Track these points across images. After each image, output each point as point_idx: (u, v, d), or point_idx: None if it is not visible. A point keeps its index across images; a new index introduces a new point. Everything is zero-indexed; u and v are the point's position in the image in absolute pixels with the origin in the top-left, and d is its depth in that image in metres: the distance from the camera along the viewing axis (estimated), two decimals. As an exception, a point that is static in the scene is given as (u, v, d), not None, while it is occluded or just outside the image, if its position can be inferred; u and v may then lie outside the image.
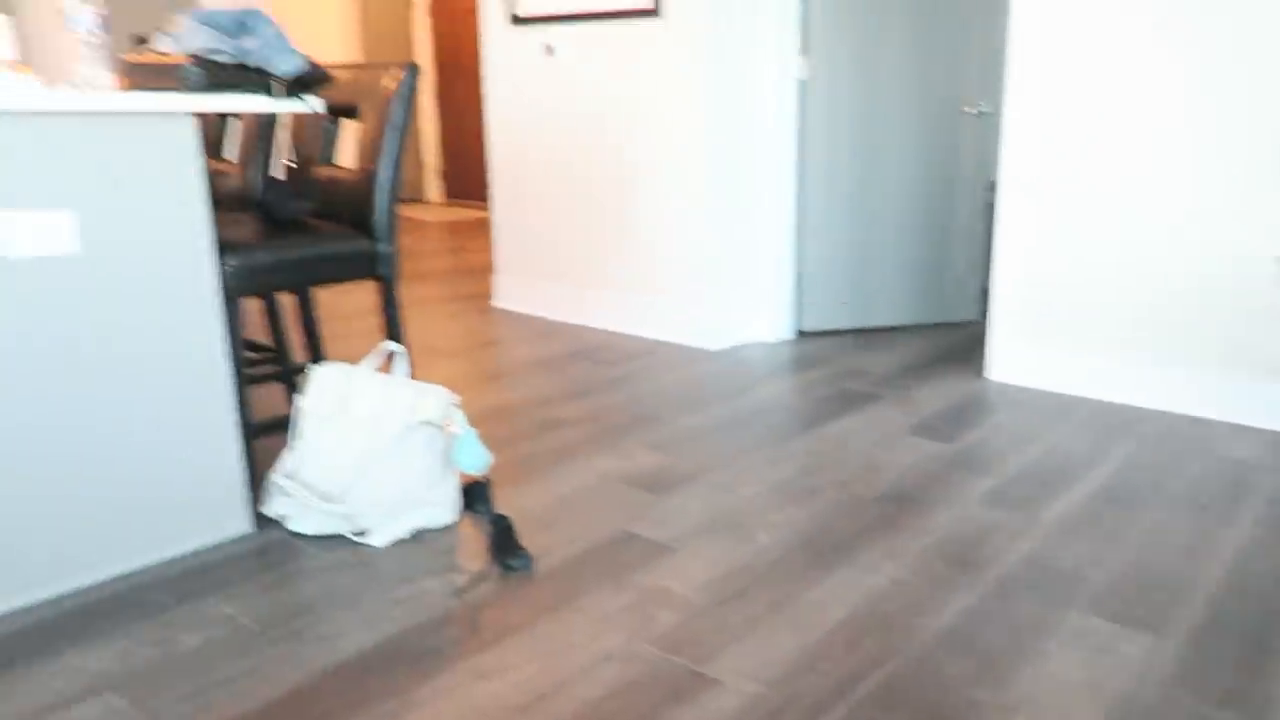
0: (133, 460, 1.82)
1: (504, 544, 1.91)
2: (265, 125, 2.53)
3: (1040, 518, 2.16)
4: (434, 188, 9.55)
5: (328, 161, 2.42)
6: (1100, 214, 3.01)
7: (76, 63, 1.69)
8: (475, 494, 2.15)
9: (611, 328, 3.97)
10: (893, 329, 4.02)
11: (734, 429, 2.74)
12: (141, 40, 1.89)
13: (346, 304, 4.45)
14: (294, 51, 1.88)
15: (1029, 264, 3.18)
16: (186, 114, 1.79)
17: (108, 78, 1.73)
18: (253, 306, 4.14)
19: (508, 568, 1.87)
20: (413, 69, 2.23)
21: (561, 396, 3.04)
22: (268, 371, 2.55)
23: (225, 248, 1.97)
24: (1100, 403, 3.02)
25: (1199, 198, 2.83)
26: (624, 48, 3.70)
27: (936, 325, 4.09)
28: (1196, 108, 2.81)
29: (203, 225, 1.86)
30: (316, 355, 2.56)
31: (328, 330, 3.89)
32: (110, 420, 1.78)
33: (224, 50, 1.79)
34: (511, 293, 4.34)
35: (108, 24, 1.71)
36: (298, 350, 3.39)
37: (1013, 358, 3.25)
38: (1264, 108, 2.71)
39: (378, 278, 2.28)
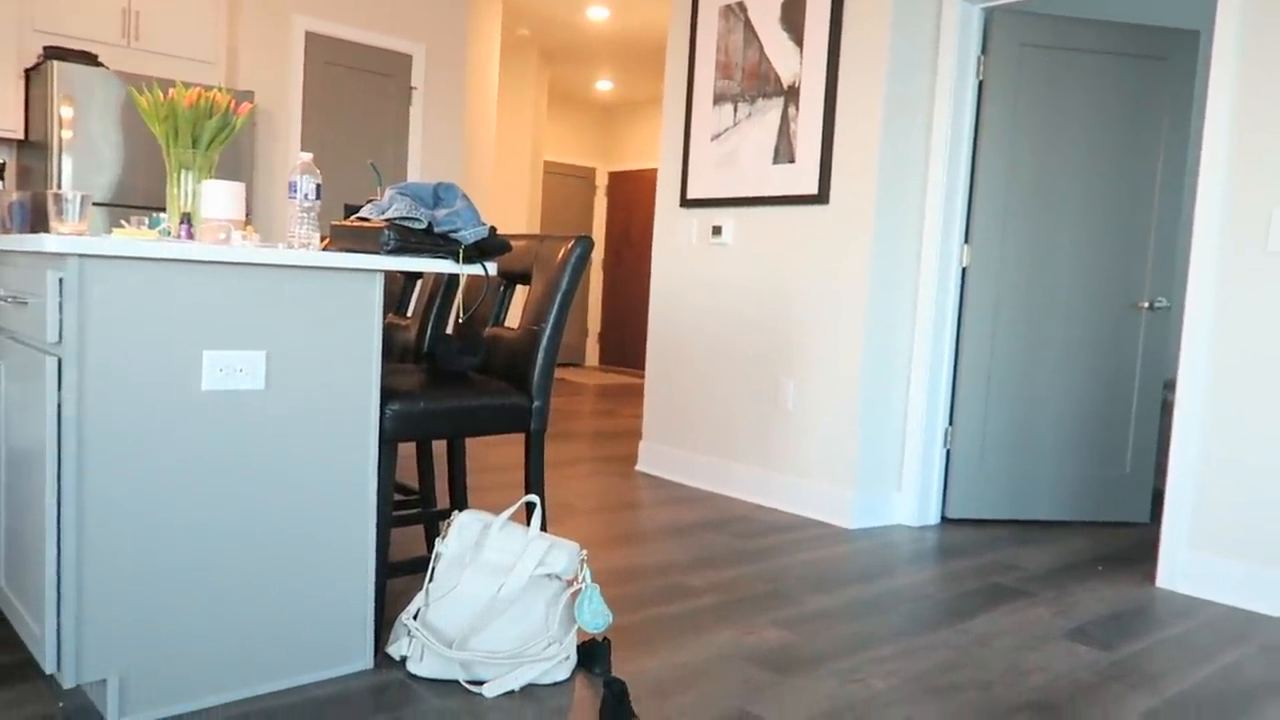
0: (272, 586, 1.94)
1: (616, 709, 1.89)
2: (445, 285, 2.77)
3: (1209, 748, 1.95)
4: (593, 353, 9.95)
5: (497, 322, 2.61)
6: (1281, 420, 2.83)
7: (293, 224, 1.94)
8: (594, 653, 2.15)
9: (753, 499, 3.95)
10: (1050, 523, 3.81)
11: (869, 614, 2.64)
12: (353, 209, 2.15)
13: (493, 456, 4.63)
14: (480, 221, 2.08)
15: (1209, 466, 2.99)
16: (375, 271, 2.00)
17: (316, 238, 1.97)
18: (406, 450, 4.37)
19: (621, 732, 1.84)
20: (585, 241, 2.42)
21: (693, 564, 3.03)
22: (411, 514, 2.68)
23: (389, 394, 2.14)
24: (1286, 627, 2.74)
25: (1396, 409, 2.62)
26: (788, 232, 3.86)
27: (1100, 524, 3.85)
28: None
29: (372, 372, 2.03)
30: (459, 502, 2.67)
31: (473, 480, 4.05)
32: (261, 546, 1.92)
33: (418, 218, 2.01)
34: (657, 459, 4.42)
35: (320, 192, 1.96)
36: (442, 496, 3.54)
37: (1187, 565, 3.01)
38: None
39: (528, 431, 2.40)
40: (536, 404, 2.40)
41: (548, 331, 2.39)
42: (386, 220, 2.01)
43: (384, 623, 2.27)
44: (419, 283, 3.01)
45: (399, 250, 1.97)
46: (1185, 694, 2.21)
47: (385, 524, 2.15)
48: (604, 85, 8.76)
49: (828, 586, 2.87)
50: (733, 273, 4.07)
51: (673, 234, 4.36)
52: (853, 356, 3.61)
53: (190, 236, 1.98)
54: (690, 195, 4.25)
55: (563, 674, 2.08)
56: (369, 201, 2.13)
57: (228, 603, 1.88)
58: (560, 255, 2.42)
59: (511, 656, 2.02)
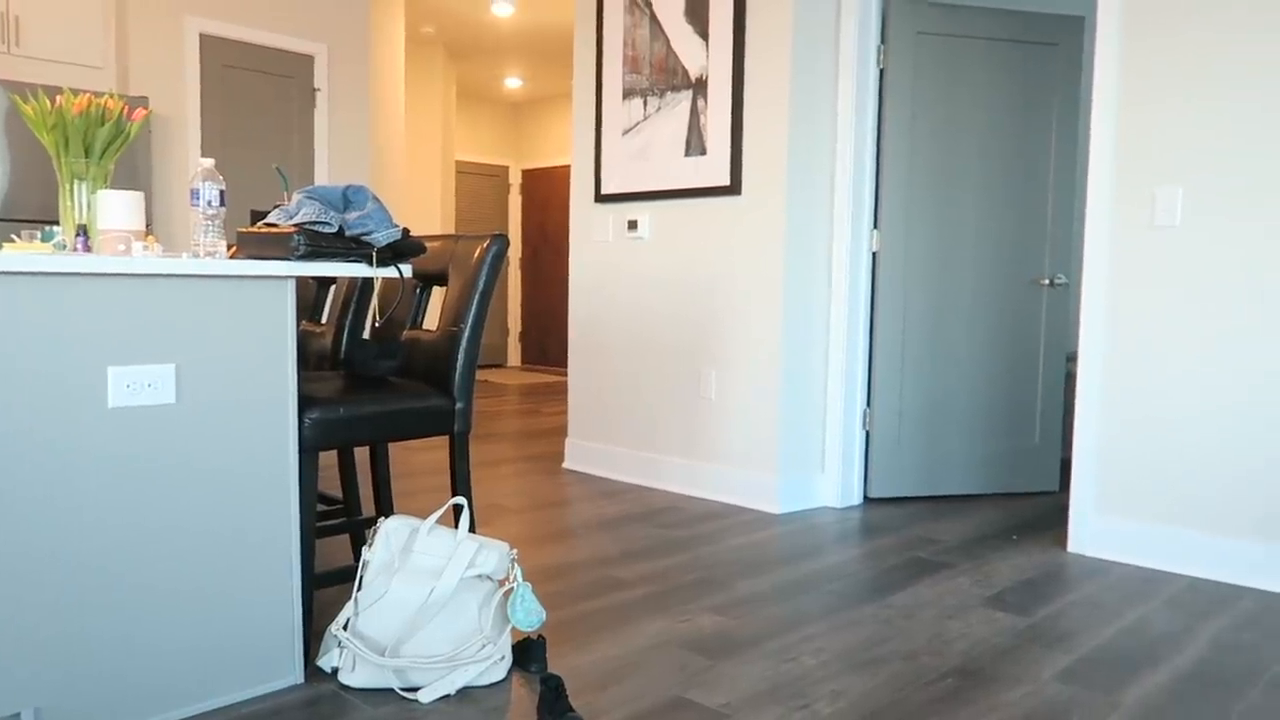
0: (194, 605, 1.89)
1: (554, 705, 1.89)
2: (359, 290, 2.72)
3: (1120, 699, 2.05)
4: (515, 353, 9.88)
5: (415, 324, 2.58)
6: (1185, 382, 2.98)
7: (197, 233, 1.89)
8: (529, 652, 2.15)
9: (681, 490, 3.99)
10: (966, 497, 3.94)
11: (799, 595, 2.70)
12: (260, 215, 2.10)
13: (418, 460, 4.58)
14: (392, 223, 2.06)
15: (1112, 433, 3.13)
16: (286, 278, 1.96)
17: (222, 246, 1.91)
18: (328, 459, 4.29)
19: (559, 728, 1.85)
20: (500, 240, 2.40)
21: (623, 557, 3.04)
22: (336, 523, 2.63)
23: (308, 402, 2.10)
24: (1192, 579, 2.89)
25: None
26: (703, 224, 3.90)
27: (1013, 495, 4.00)
28: (1273, 272, 2.81)
29: (288, 380, 1.99)
30: (385, 509, 2.64)
31: (399, 486, 4.00)
32: (180, 565, 1.87)
33: (328, 222, 1.98)
34: (583, 455, 4.42)
35: (225, 198, 1.91)
36: (367, 503, 3.49)
37: (1096, 529, 3.15)
38: (1336, 282, 2.69)
39: (452, 433, 2.38)
40: (459, 405, 2.38)
41: (467, 332, 2.37)
42: (296, 225, 1.97)
43: (313, 635, 2.23)
44: (332, 288, 2.96)
45: (310, 255, 1.93)
46: (1097, 650, 2.32)
47: (309, 535, 2.11)
48: (514, 82, 8.71)
49: (757, 571, 2.92)
50: (651, 266, 4.10)
51: (589, 230, 4.36)
52: (771, 344, 3.67)
53: (88, 249, 1.91)
54: (605, 190, 4.26)
55: (499, 674, 2.08)
56: (276, 207, 2.09)
57: (148, 624, 1.82)
58: (476, 254, 2.41)
59: (446, 660, 2.00)
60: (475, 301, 2.38)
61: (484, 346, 9.45)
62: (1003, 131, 3.86)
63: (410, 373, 2.49)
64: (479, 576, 2.07)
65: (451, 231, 7.74)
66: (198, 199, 1.89)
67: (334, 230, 1.99)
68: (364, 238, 2.02)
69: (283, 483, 2.00)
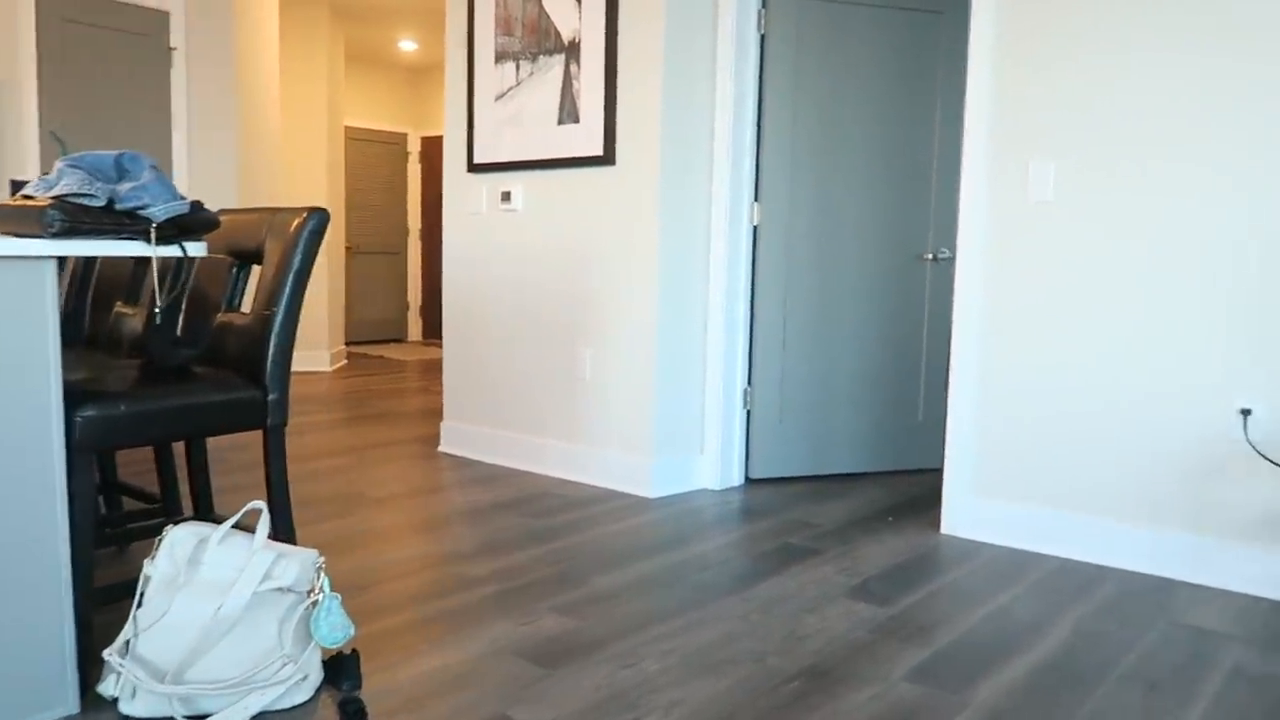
0: (-50, 629, 1.66)
1: (356, 730, 1.72)
2: (176, 270, 2.47)
3: (971, 698, 1.96)
4: (415, 327, 9.59)
5: (231, 307, 2.35)
6: (1060, 358, 2.92)
7: (-78, 206, 1.63)
8: (341, 668, 1.96)
9: (558, 474, 3.83)
10: (851, 476, 3.87)
11: (656, 589, 2.56)
12: (20, 185, 1.84)
13: (254, 453, 4.32)
14: (175, 195, 1.82)
15: (986, 412, 3.06)
16: (41, 258, 1.72)
17: (-46, 221, 1.66)
18: (144, 455, 4.00)
19: (357, 758, 1.67)
20: (319, 214, 2.18)
21: (479, 551, 2.87)
22: (155, 524, 2.40)
23: (83, 397, 1.86)
24: (1060, 560, 2.84)
25: (1157, 350, 2.74)
26: (577, 196, 3.71)
27: (898, 473, 3.94)
28: (1150, 258, 2.75)
29: (49, 375, 1.75)
30: (204, 509, 2.41)
31: (225, 481, 3.68)
32: (-73, 584, 1.63)
33: (93, 194, 1.73)
34: (460, 438, 4.22)
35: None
36: (189, 503, 3.23)
37: (968, 511, 3.09)
38: (1218, 252, 2.65)
39: (265, 428, 2.17)
40: (272, 396, 2.17)
41: (280, 315, 2.15)
42: (53, 198, 1.72)
43: (94, 659, 2.00)
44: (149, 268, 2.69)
45: (67, 233, 1.69)
46: (954, 643, 2.24)
47: (86, 545, 1.88)
48: (408, 45, 8.33)
49: (617, 563, 2.78)
50: (525, 240, 3.89)
51: (463, 201, 4.14)
52: (647, 321, 3.51)
53: None
54: (477, 160, 4.03)
55: (302, 695, 1.88)
56: (41, 178, 1.83)
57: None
58: (292, 229, 2.18)
59: (237, 685, 1.81)
60: (290, 282, 2.15)
61: (382, 321, 9.12)
62: (887, 102, 3.74)
63: (221, 361, 2.26)
64: (278, 589, 1.87)
65: (339, 203, 7.38)
66: (-75, 167, 1.63)
67: (102, 204, 1.75)
68: (139, 212, 1.78)
69: (47, 490, 1.76)
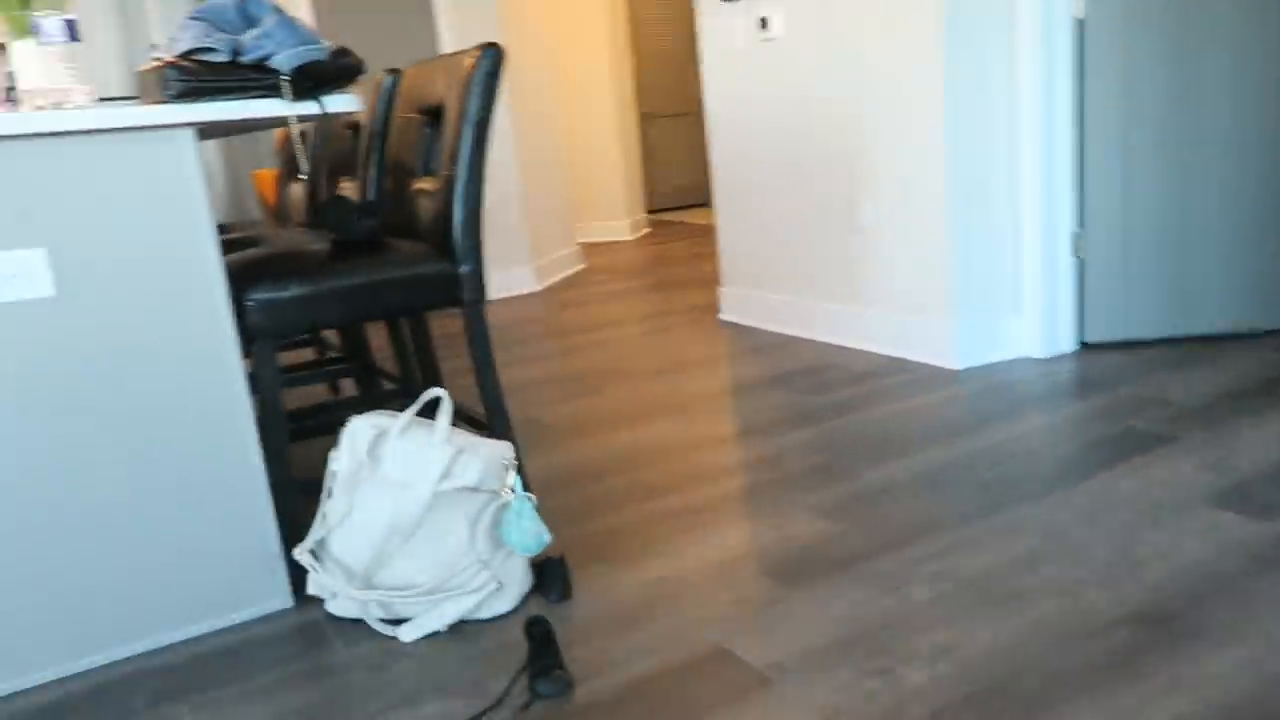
0: (138, 528, 1.60)
1: (537, 660, 1.44)
2: (377, 133, 2.27)
3: None
4: (717, 189, 9.18)
5: (428, 172, 2.10)
6: None
7: (47, 79, 1.49)
8: (547, 576, 1.71)
9: (846, 343, 3.33)
10: (1222, 338, 2.98)
11: (942, 487, 2.05)
12: (155, 47, 1.66)
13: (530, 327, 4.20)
14: (302, 39, 1.56)
15: None
16: (173, 127, 1.53)
17: (82, 92, 1.51)
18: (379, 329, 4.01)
19: (535, 694, 1.41)
20: (491, 50, 1.84)
21: (738, 434, 2.50)
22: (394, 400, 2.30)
23: (254, 281, 1.70)
24: None
25: None
26: (843, 11, 3.06)
27: (1295, 332, 2.98)
28: None
29: (208, 257, 1.59)
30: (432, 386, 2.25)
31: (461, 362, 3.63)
32: (108, 483, 1.57)
33: (214, 48, 1.51)
34: (738, 304, 3.84)
35: (75, 31, 1.48)
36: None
37: (1406, 385, 2.19)
38: None
39: (459, 304, 1.92)
40: (465, 269, 1.90)
41: (462, 176, 1.86)
42: (174, 57, 1.52)
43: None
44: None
45: (186, 94, 1.48)
46: (1388, 582, 1.52)
47: (279, 438, 1.76)
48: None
49: (899, 452, 2.28)
50: (791, 78, 3.31)
51: (717, 37, 3.62)
52: (932, 149, 2.84)
53: None
54: (736, -18, 3.47)
55: (502, 605, 1.66)
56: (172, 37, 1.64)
57: (83, 555, 1.56)
58: (464, 74, 1.86)
59: (429, 592, 1.61)
60: (469, 135, 1.84)
61: (687, 187, 8.86)
62: None
63: (416, 233, 2.03)
64: (464, 489, 1.63)
65: (624, 66, 7.06)
66: (45, 36, 1.48)
67: (226, 58, 1.52)
68: (266, 63, 1.54)
69: (226, 383, 1.64)
